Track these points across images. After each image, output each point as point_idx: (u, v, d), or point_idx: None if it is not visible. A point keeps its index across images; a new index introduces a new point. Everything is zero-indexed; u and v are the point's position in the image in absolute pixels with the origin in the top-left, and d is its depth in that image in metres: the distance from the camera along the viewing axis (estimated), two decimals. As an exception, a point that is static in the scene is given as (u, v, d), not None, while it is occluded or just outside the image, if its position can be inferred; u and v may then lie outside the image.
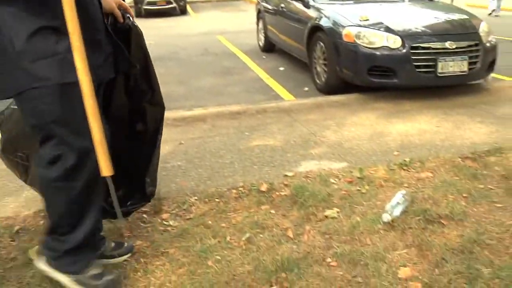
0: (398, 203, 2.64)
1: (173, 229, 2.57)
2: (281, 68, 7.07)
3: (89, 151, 1.81)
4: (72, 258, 2.02)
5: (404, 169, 3.21)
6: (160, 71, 7.04)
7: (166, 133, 4.09)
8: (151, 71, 2.35)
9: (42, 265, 2.08)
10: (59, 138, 1.82)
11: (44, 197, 1.99)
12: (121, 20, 2.12)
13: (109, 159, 1.78)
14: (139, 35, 2.20)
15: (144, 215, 2.74)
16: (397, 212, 2.60)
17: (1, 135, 2.38)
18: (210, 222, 2.63)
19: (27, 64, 1.71)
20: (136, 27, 2.17)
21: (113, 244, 2.34)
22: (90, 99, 1.71)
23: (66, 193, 1.90)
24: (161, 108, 2.48)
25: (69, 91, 1.75)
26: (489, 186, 3.00)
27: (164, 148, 3.78)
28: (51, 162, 1.85)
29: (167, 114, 4.65)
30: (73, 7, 1.62)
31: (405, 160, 3.33)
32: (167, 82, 6.56)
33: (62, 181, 1.87)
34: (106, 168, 1.78)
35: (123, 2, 2.15)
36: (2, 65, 1.73)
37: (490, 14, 15.01)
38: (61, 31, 1.69)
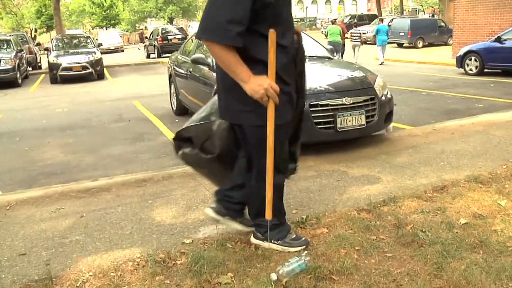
0: (290, 262, 2.71)
1: (61, 311, 2.51)
2: (193, 131, 7.16)
3: None
4: (277, 229, 3.01)
5: (300, 227, 3.32)
6: (69, 140, 7.09)
7: (68, 206, 4.06)
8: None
9: (255, 240, 3.09)
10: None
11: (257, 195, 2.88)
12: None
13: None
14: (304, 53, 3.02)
15: (34, 298, 2.66)
16: (287, 269, 2.65)
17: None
18: (102, 299, 2.59)
19: None
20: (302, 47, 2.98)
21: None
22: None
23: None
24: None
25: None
26: (381, 237, 3.16)
27: (64, 222, 3.74)
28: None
29: (71, 186, 4.63)
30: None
31: (302, 218, 3.45)
32: (76, 151, 6.48)
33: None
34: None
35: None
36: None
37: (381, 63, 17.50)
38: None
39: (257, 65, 2.61)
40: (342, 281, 2.64)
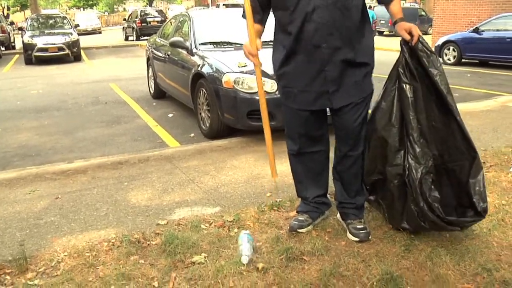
0: (243, 245, 2.78)
1: (36, 289, 2.56)
2: (170, 115, 7.21)
3: None
4: None
5: (274, 210, 3.41)
6: (44, 122, 7.03)
7: (43, 188, 4.08)
8: None
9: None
10: None
11: None
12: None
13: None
14: None
15: (7, 277, 2.69)
16: (250, 250, 2.75)
17: None
18: (77, 277, 2.65)
19: None
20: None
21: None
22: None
23: None
24: None
25: None
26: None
27: (39, 203, 3.75)
28: None
29: (46, 168, 4.63)
30: None
31: (276, 201, 3.54)
32: (52, 133, 6.46)
33: None
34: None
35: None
36: None
37: None
38: None
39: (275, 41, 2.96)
40: (312, 262, 2.74)
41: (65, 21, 19.43)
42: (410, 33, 2.75)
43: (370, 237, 2.97)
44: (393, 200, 2.92)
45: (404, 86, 2.82)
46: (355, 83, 2.82)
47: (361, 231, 2.98)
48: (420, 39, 2.75)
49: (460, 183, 2.84)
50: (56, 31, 17.72)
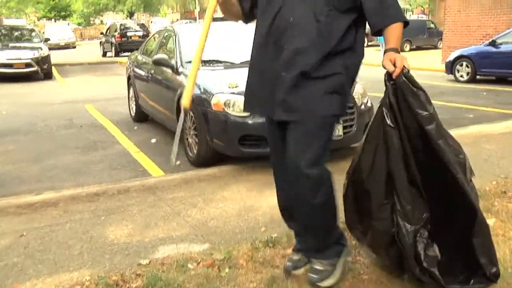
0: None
1: None
2: (153, 140, 7.24)
3: None
4: None
5: (269, 246, 3.41)
6: (9, 147, 7.01)
7: (5, 224, 4.05)
8: None
9: None
10: None
11: None
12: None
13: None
14: None
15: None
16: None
17: None
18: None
19: None
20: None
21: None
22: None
23: None
24: None
25: None
26: (357, 258, 3.27)
27: (0, 242, 3.70)
28: None
29: (9, 201, 4.61)
30: None
31: (271, 237, 3.55)
32: (17, 160, 6.45)
33: None
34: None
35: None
36: None
37: None
38: None
39: None
40: (313, 305, 2.74)
41: (33, 34, 19.40)
42: (395, 64, 2.58)
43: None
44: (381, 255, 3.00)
45: (388, 130, 2.67)
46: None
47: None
48: (405, 71, 2.56)
49: (462, 242, 2.66)
50: (22, 44, 17.72)
